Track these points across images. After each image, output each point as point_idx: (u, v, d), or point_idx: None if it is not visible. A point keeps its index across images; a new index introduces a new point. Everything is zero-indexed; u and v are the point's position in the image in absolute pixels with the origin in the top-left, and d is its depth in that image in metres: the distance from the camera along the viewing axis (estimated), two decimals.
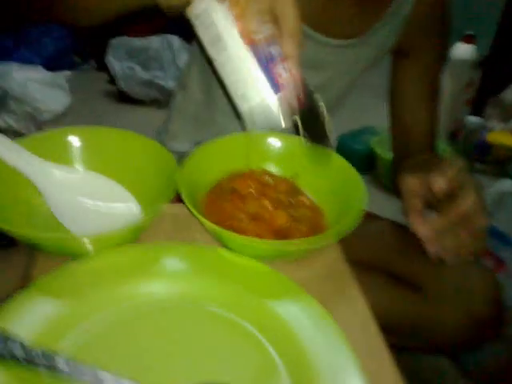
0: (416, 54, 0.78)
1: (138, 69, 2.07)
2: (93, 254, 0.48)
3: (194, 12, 0.43)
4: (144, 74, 2.07)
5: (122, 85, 2.10)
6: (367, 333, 0.46)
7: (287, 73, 0.43)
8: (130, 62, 2.09)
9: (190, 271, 0.48)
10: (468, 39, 1.85)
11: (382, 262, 0.77)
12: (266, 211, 0.54)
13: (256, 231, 0.52)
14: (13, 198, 0.52)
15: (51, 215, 0.52)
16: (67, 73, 1.97)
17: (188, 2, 0.42)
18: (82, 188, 0.54)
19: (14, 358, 0.36)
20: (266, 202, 0.54)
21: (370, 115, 1.42)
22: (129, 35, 2.12)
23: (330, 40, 0.72)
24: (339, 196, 0.58)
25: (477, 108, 1.99)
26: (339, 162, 0.60)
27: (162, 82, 2.07)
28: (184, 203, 0.50)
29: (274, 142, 0.63)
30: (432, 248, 0.50)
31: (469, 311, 0.68)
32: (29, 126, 1.77)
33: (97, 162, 0.58)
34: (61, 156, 0.56)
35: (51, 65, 2.08)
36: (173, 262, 0.49)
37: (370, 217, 0.53)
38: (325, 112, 0.50)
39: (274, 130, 0.48)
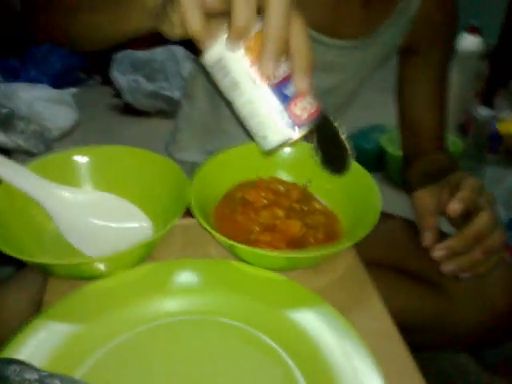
0: (424, 52, 0.78)
1: (142, 81, 2.08)
2: (106, 275, 0.47)
3: (208, 61, 0.42)
4: (149, 86, 2.08)
5: (128, 98, 2.11)
6: (388, 338, 0.45)
7: (304, 109, 0.43)
8: (135, 74, 2.10)
9: (205, 286, 0.47)
10: (472, 30, 1.83)
11: (396, 261, 0.76)
12: (280, 221, 0.53)
13: (270, 242, 0.51)
14: (23, 222, 0.52)
15: (62, 238, 0.52)
16: (73, 89, 1.99)
17: (194, 38, 0.41)
18: (93, 209, 0.53)
19: None
20: (279, 212, 0.54)
21: (379, 113, 1.41)
22: (132, 48, 2.13)
23: (337, 42, 0.71)
24: (353, 200, 0.57)
25: (486, 99, 1.97)
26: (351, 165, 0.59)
27: (167, 93, 2.07)
28: (195, 217, 0.50)
29: (284, 149, 0.62)
30: (447, 268, 0.50)
31: (489, 306, 0.67)
32: (38, 144, 1.78)
33: (106, 181, 0.57)
34: (69, 177, 0.56)
35: (57, 82, 2.11)
36: (187, 279, 0.48)
37: (382, 215, 0.53)
38: (343, 133, 0.50)
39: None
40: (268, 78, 0.40)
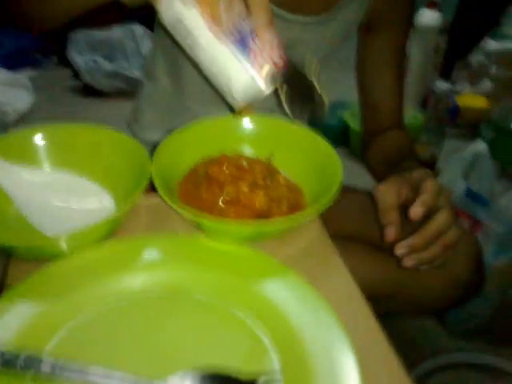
0: (384, 26, 0.78)
1: (101, 61, 2.03)
2: (70, 253, 0.46)
3: (166, 20, 0.43)
4: (108, 66, 2.03)
5: (87, 78, 2.06)
6: (354, 303, 0.47)
7: (264, 43, 0.44)
8: (93, 54, 2.05)
9: (172, 261, 0.47)
10: (431, 4, 1.85)
11: (361, 233, 0.77)
12: (244, 195, 0.53)
13: (235, 216, 0.52)
14: None
15: (23, 219, 0.51)
16: (30, 71, 1.92)
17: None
18: (52, 188, 0.52)
19: None
20: (243, 186, 0.54)
21: (341, 89, 1.42)
22: (89, 27, 2.06)
23: (298, 17, 0.71)
24: (316, 172, 0.58)
25: (445, 73, 2.00)
26: (313, 138, 0.60)
27: (127, 73, 2.03)
28: (159, 194, 0.49)
29: (247, 124, 0.62)
30: (409, 263, 0.52)
31: (452, 273, 0.69)
32: None
33: (66, 160, 0.56)
34: (28, 157, 0.55)
35: (11, 64, 2.02)
36: (153, 254, 0.48)
37: (346, 190, 0.54)
38: (314, 74, 0.51)
39: (258, 99, 0.48)
40: (220, 18, 0.42)
